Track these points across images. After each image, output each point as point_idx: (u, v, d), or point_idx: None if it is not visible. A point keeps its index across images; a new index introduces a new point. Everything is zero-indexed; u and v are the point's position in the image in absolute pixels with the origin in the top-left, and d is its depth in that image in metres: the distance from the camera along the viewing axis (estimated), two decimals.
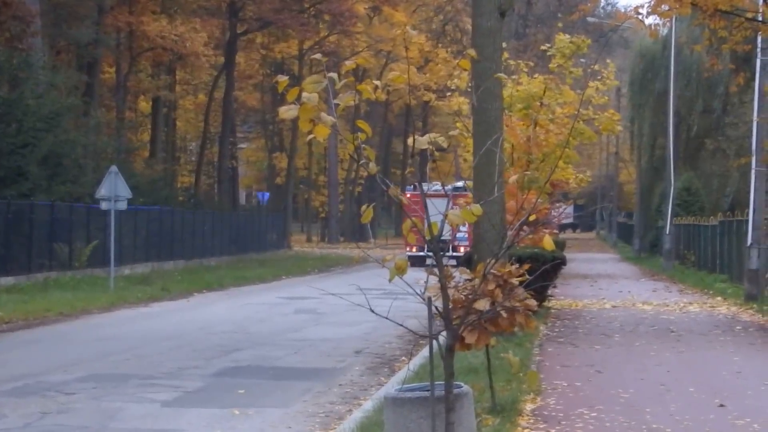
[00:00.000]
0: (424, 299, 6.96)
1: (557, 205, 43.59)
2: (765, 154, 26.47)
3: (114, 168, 30.61)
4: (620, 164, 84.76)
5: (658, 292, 32.18)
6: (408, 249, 41.97)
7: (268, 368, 15.84)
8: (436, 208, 6.89)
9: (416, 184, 52.33)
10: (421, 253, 43.28)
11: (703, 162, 53.66)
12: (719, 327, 21.59)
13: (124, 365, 15.99)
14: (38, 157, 33.27)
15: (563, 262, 24.01)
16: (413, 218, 6.76)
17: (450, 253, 37.30)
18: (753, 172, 27.60)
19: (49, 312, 24.01)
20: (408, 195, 49.71)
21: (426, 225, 6.73)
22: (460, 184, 37.57)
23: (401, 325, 7.18)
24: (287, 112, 6.39)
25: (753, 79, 28.15)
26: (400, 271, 6.61)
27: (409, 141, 6.93)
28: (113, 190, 30.01)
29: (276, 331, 20.97)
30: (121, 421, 11.60)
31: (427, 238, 6.83)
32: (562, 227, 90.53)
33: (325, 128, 6.41)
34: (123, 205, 30.54)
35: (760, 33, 23.51)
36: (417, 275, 7.27)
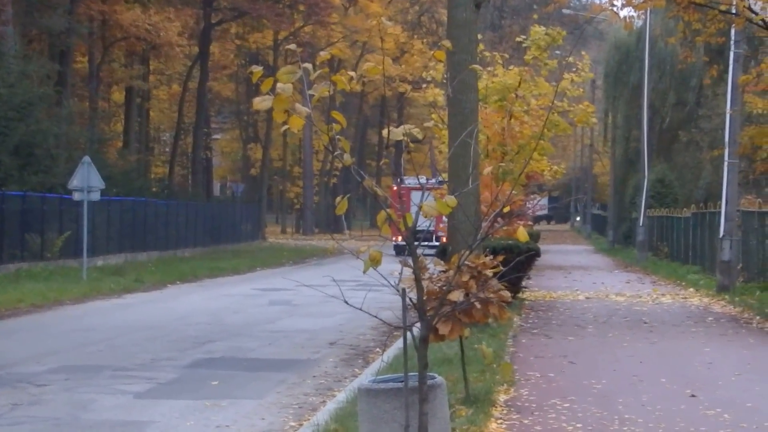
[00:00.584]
0: (398, 291, 6.99)
1: (532, 196, 43.61)
2: (738, 146, 26.65)
3: (87, 158, 30.47)
4: (595, 156, 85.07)
5: (631, 283, 32.36)
6: (394, 239, 42.10)
7: (242, 360, 15.84)
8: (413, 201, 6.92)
9: (401, 177, 52.54)
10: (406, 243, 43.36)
11: (677, 154, 53.97)
12: (691, 318, 21.75)
13: (96, 356, 15.96)
14: (10, 147, 33.06)
15: (537, 253, 24.11)
16: (388, 210, 6.78)
17: (434, 243, 37.35)
18: (726, 164, 27.79)
19: (21, 303, 23.90)
20: (395, 188, 49.60)
21: (402, 217, 6.76)
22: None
23: (375, 317, 7.21)
24: (261, 102, 6.39)
25: (726, 71, 28.32)
26: (374, 262, 6.64)
27: (384, 132, 6.95)
28: (86, 181, 29.88)
29: (250, 323, 20.96)
30: (94, 413, 11.58)
31: (402, 229, 6.85)
32: (537, 219, 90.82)
33: (300, 119, 6.42)
34: (96, 196, 30.42)
35: (733, 25, 23.64)
36: (392, 267, 7.30)
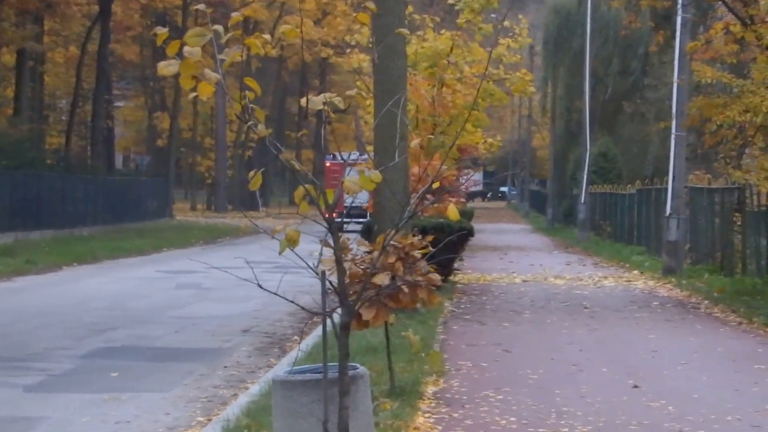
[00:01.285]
0: (317, 273, 7.00)
1: (465, 171, 43.89)
2: (685, 117, 26.99)
3: None
4: (533, 128, 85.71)
5: (571, 265, 32.71)
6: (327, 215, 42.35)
7: (145, 349, 15.75)
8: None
9: (335, 153, 52.52)
10: (341, 220, 44.07)
11: (622, 126, 54.61)
12: (635, 303, 22.06)
13: None
14: None
15: (470, 233, 24.27)
16: (306, 186, 6.78)
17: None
18: (673, 137, 28.16)
19: None
20: (328, 164, 49.75)
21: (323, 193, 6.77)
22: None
23: (292, 302, 7.21)
24: (167, 67, 6.35)
25: (673, 37, 28.67)
26: (291, 243, 6.64)
27: (303, 101, 6.94)
28: None
29: (155, 308, 20.85)
30: None
31: (322, 207, 6.86)
32: (470, 196, 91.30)
33: (209, 86, 6.38)
34: None
35: None
36: (312, 247, 7.30)
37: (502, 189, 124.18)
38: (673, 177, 27.97)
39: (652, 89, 50.58)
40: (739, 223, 26.80)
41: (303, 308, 7.60)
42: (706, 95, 26.96)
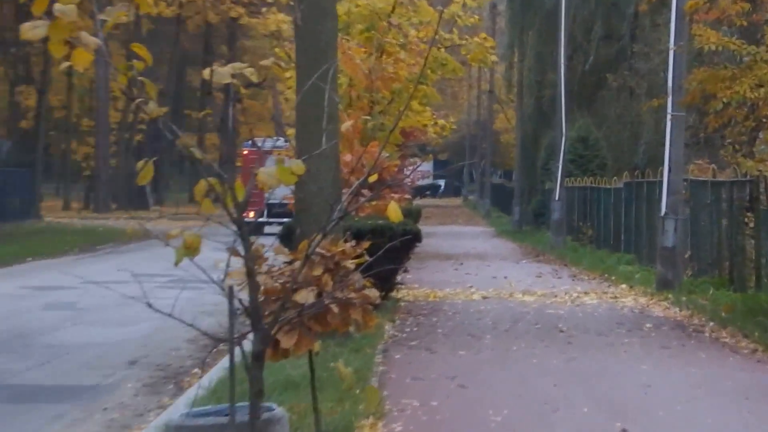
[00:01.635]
0: (223, 289, 6.98)
1: (410, 161, 43.96)
2: (685, 94, 27.16)
3: None
4: (496, 107, 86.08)
5: (543, 277, 32.85)
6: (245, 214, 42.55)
7: (2, 387, 15.62)
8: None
9: (253, 139, 52.46)
10: (261, 220, 43.89)
11: (606, 104, 54.85)
12: (623, 325, 22.18)
13: None
14: None
15: (417, 237, 24.27)
16: (210, 179, 6.78)
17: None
18: (669, 117, 28.31)
19: None
20: (246, 152, 49.74)
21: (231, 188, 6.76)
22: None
23: (191, 326, 7.19)
24: (33, 30, 6.31)
25: None
26: (190, 251, 6.62)
27: (207, 73, 6.94)
28: None
29: (17, 334, 20.68)
30: None
31: (230, 206, 6.86)
32: (418, 191, 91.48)
33: (87, 53, 6.35)
34: None
35: None
36: (217, 256, 7.28)
37: (457, 183, 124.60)
38: (670, 168, 28.15)
39: (643, 58, 50.89)
40: (751, 224, 26.99)
41: (205, 333, 7.59)
42: (709, 66, 27.15)
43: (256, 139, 52.49)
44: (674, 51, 27.91)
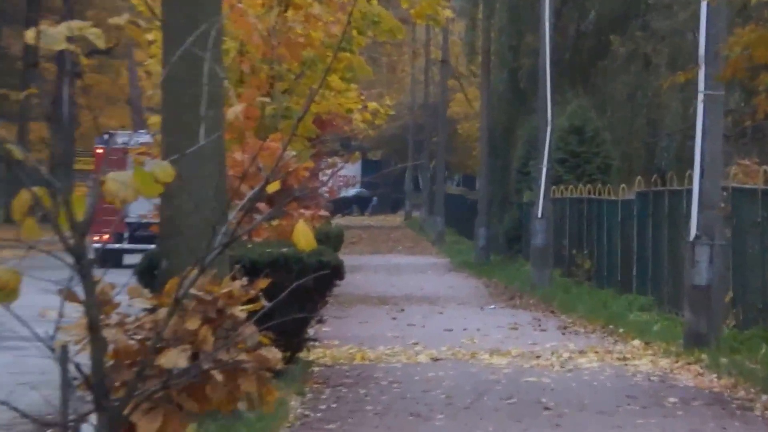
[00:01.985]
0: (53, 350, 6.88)
1: (329, 161, 44.07)
2: (723, 64, 27.24)
3: None
4: (452, 84, 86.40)
5: (521, 330, 33.01)
6: (97, 238, 42.57)
7: None
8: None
9: (110, 132, 52.64)
10: (118, 246, 44.10)
11: (610, 80, 55.14)
12: (637, 399, 22.25)
13: None
14: None
15: (338, 273, 24.31)
16: (34, 189, 6.70)
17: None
18: (700, 98, 28.39)
19: None
20: (101, 151, 50.27)
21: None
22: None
23: (5, 404, 7.08)
24: None
25: None
26: (5, 294, 6.53)
27: (31, 36, 6.87)
28: None
29: None
30: None
31: (63, 227, 6.78)
32: (339, 205, 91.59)
33: None
34: None
35: None
36: (45, 301, 7.19)
37: (396, 194, 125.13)
38: (702, 170, 28.25)
39: (664, 12, 51.21)
40: None
41: (25, 415, 7.47)
42: (758, 22, 27.32)
43: (109, 131, 52.68)
44: (708, 2, 27.99)
